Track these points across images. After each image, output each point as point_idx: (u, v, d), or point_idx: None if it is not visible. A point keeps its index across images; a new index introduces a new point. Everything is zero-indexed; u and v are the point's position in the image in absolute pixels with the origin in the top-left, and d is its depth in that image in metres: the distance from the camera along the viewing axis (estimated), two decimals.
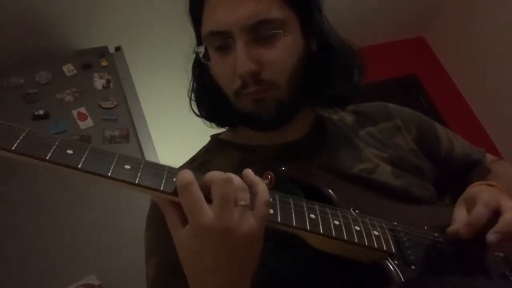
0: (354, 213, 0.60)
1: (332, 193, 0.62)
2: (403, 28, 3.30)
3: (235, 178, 0.48)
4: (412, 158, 0.77)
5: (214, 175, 0.47)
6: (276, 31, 0.65)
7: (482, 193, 0.66)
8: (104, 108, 1.89)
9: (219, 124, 0.80)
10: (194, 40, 0.75)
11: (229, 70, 0.66)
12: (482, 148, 0.91)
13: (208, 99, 0.77)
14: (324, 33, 0.72)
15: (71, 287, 1.48)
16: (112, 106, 1.90)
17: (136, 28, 2.41)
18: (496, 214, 0.62)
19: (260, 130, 0.72)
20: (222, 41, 0.65)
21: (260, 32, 0.64)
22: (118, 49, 2.09)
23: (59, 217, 1.62)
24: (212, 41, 0.67)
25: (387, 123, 0.82)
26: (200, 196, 0.46)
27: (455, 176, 0.82)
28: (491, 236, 0.60)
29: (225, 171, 0.49)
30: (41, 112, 1.83)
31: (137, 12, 2.33)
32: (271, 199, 0.51)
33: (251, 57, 0.63)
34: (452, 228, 0.64)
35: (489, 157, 0.90)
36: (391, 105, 0.86)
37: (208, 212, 0.45)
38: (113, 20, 2.33)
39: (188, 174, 0.46)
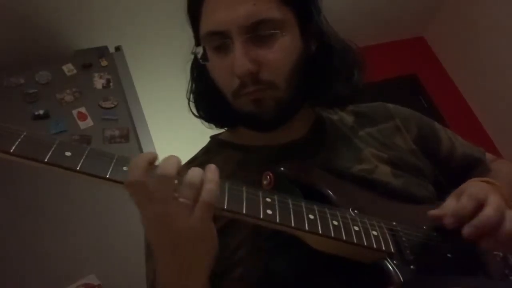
0: (353, 213, 0.60)
1: (331, 193, 0.62)
2: (403, 28, 3.30)
3: (192, 171, 0.49)
4: (412, 159, 0.77)
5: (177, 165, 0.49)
6: (274, 31, 0.64)
7: (471, 186, 0.65)
8: (104, 108, 1.89)
9: (218, 124, 0.79)
10: (194, 40, 0.75)
11: (227, 71, 0.65)
12: (482, 148, 0.91)
13: (207, 100, 0.77)
14: (323, 33, 0.72)
15: (71, 287, 1.48)
16: (112, 106, 1.90)
17: (136, 28, 2.41)
18: (481, 207, 0.60)
19: (259, 131, 0.71)
20: (220, 41, 0.65)
21: (258, 32, 0.64)
22: (118, 49, 2.09)
23: (59, 217, 1.62)
24: (210, 42, 0.67)
25: (386, 124, 0.81)
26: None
27: (455, 176, 0.81)
28: (466, 229, 0.59)
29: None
30: (41, 112, 1.83)
31: (137, 12, 2.33)
32: (269, 199, 0.51)
33: (249, 57, 0.63)
34: (434, 212, 0.63)
35: (489, 156, 0.90)
36: (391, 105, 0.86)
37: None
38: (113, 20, 2.33)
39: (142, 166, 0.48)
